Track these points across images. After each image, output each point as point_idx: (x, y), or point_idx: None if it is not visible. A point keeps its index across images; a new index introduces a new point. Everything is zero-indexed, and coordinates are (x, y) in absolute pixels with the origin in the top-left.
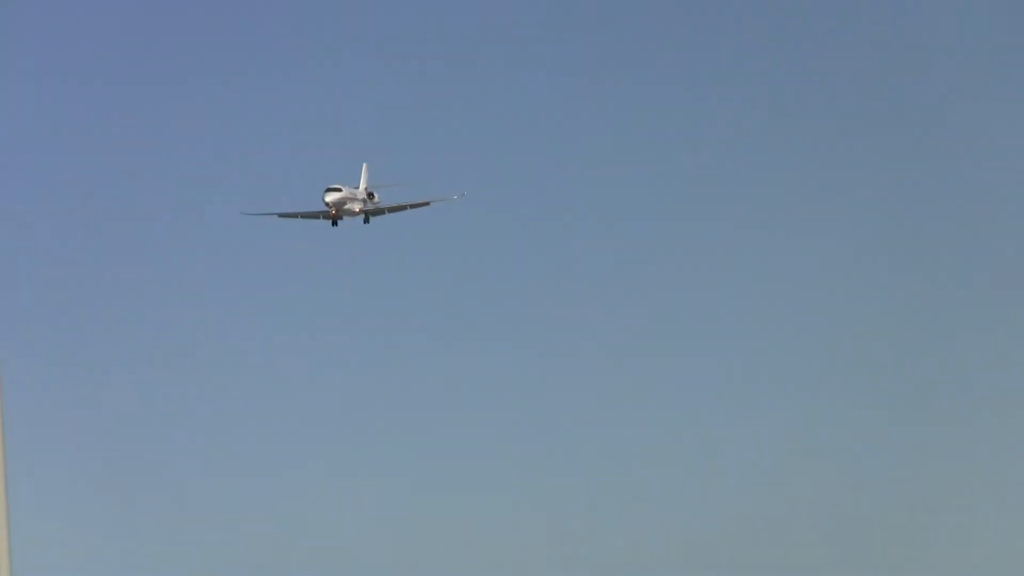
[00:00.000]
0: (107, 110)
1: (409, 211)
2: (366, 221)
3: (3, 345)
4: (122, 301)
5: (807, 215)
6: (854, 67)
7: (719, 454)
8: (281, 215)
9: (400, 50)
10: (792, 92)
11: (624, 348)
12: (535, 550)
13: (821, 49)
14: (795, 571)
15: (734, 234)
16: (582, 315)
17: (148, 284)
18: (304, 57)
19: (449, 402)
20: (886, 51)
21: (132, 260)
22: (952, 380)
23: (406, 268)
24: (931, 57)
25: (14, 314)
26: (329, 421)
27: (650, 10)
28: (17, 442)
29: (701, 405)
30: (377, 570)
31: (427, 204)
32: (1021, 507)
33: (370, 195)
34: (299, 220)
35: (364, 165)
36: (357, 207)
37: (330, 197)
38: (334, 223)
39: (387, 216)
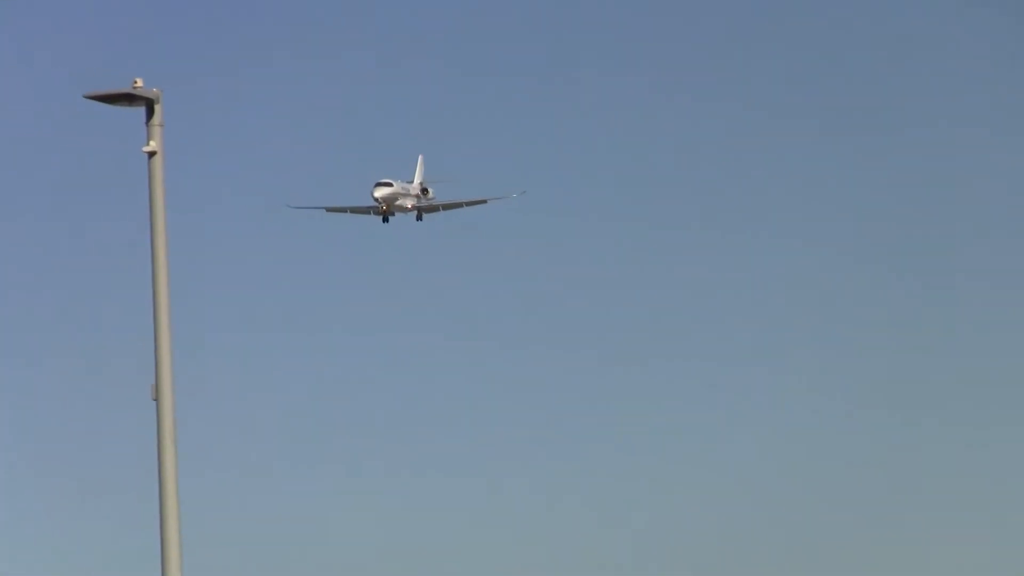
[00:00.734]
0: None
1: (465, 209)
2: (419, 218)
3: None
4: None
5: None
6: (847, 67)
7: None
8: (329, 209)
9: (459, 41)
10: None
11: (690, 352)
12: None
13: (820, 51)
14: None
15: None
16: (647, 321)
17: (193, 278)
18: (359, 46)
19: (502, 405)
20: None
21: (177, 255)
22: (951, 380)
23: (458, 267)
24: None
25: (49, 305)
26: (372, 421)
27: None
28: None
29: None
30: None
31: (484, 202)
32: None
33: (424, 191)
34: (348, 215)
35: (420, 158)
36: (409, 203)
37: (380, 192)
38: (385, 219)
39: (441, 213)
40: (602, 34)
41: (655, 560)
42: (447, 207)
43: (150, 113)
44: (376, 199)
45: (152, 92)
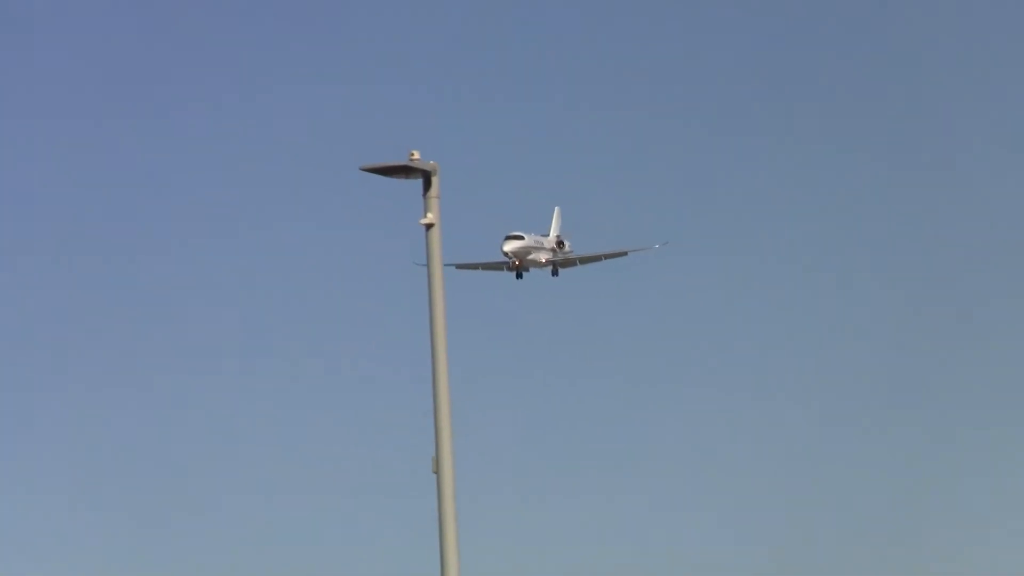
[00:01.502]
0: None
1: (604, 262)
2: (554, 273)
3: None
4: (290, 350)
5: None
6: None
7: None
8: (459, 266)
9: (598, 91)
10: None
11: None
12: None
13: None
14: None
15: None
16: (810, 374)
17: (319, 337)
18: (493, 95)
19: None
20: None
21: (307, 312)
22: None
23: (597, 323)
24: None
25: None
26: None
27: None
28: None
29: None
30: None
31: (624, 254)
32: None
33: (560, 243)
34: (479, 272)
35: (556, 209)
36: (543, 257)
37: (509, 246)
38: (518, 275)
39: (579, 267)
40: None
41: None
42: (585, 260)
43: (427, 185)
44: (506, 253)
45: (429, 165)
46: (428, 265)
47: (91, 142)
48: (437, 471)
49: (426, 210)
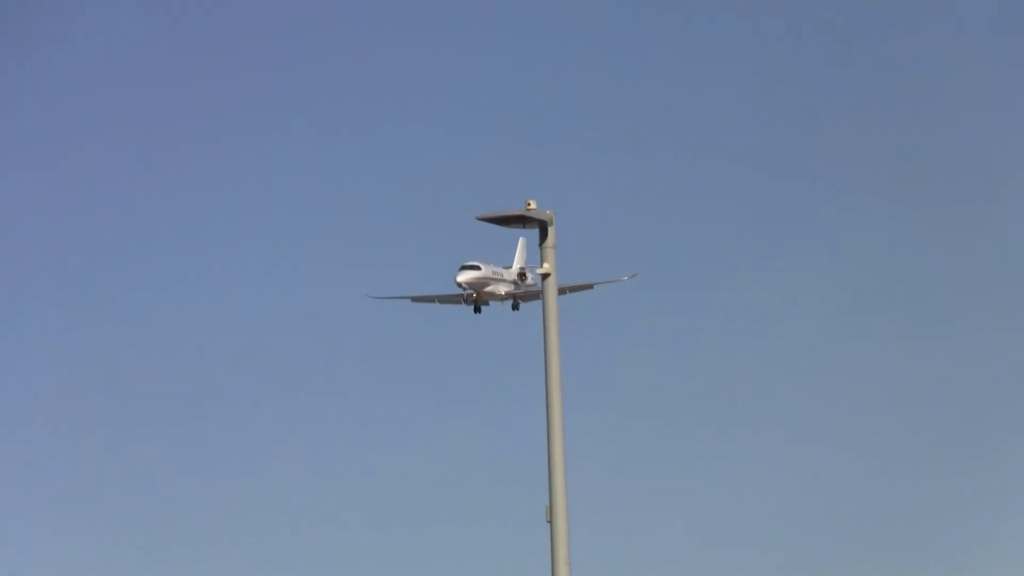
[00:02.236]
0: (221, 177)
1: (568, 295)
2: (515, 307)
3: None
4: (242, 392)
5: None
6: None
7: None
8: (414, 299)
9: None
10: None
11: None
12: None
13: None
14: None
15: None
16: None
17: (270, 375)
18: (445, 115)
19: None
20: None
21: (248, 349)
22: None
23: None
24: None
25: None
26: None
27: None
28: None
29: None
30: None
31: (590, 287)
32: None
33: (522, 275)
34: (435, 305)
35: (521, 241)
36: (502, 289)
37: (463, 276)
38: (476, 309)
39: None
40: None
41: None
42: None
43: (543, 235)
44: (460, 284)
45: (545, 214)
46: (544, 314)
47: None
48: (551, 520)
49: (543, 259)
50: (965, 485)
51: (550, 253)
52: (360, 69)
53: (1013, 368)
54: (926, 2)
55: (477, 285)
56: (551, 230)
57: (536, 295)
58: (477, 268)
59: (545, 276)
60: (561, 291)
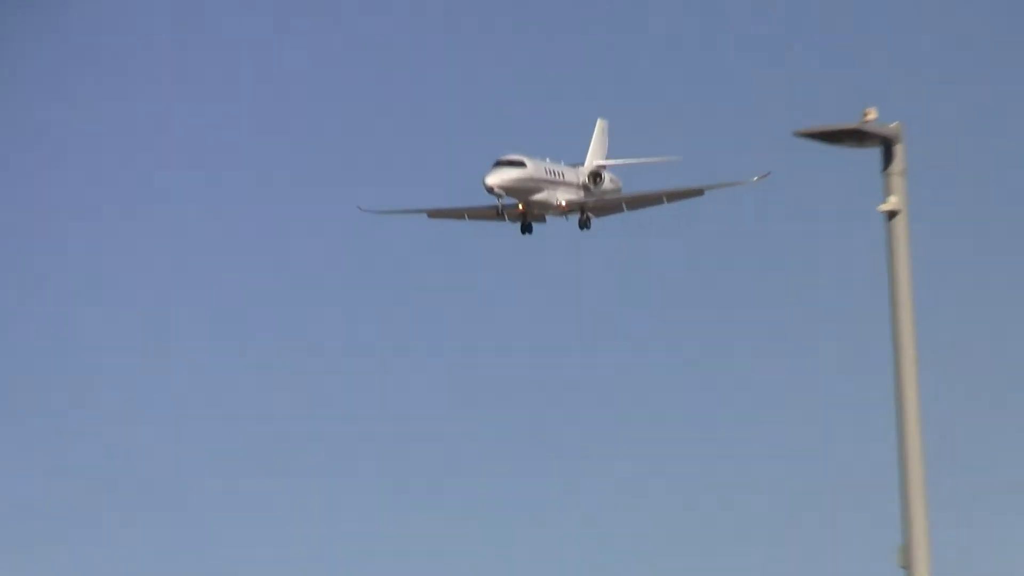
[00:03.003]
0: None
1: (666, 205)
2: (584, 225)
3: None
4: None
5: None
6: None
7: None
8: (431, 214)
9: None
10: None
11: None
12: None
13: None
14: None
15: None
16: None
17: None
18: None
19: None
20: None
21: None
22: None
23: (646, 307)
24: None
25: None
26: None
27: None
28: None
29: None
30: None
31: (701, 193)
32: None
33: (595, 177)
34: (464, 222)
35: (600, 123)
36: (563, 197)
37: (496, 177)
38: (525, 227)
39: (627, 215)
40: None
41: None
42: (635, 202)
43: (888, 157)
44: (491, 189)
45: (890, 128)
46: (889, 267)
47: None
48: (906, 567)
49: (888, 190)
50: None
51: (897, 182)
52: None
53: None
54: None
55: (521, 190)
56: (898, 149)
57: (616, 206)
58: (520, 165)
59: (892, 215)
60: (655, 199)
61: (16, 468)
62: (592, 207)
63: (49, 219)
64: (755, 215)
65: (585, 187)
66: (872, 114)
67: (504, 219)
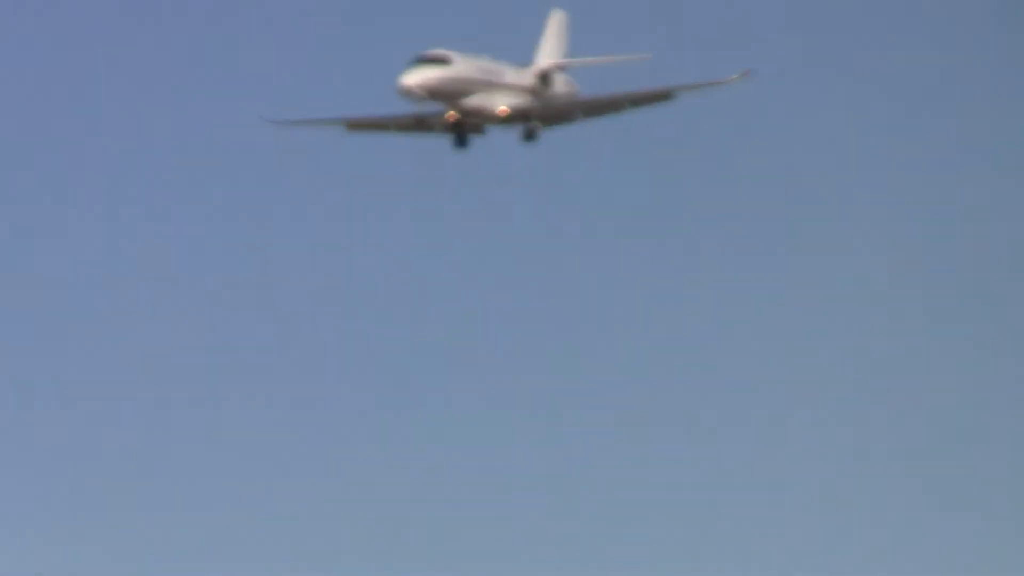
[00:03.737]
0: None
1: (629, 112)
2: (528, 136)
3: None
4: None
5: None
6: None
7: None
8: (349, 125)
9: None
10: None
11: None
12: None
13: None
14: None
15: None
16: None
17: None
18: None
19: None
20: None
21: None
22: None
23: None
24: None
25: None
26: None
27: None
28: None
29: None
30: None
31: (670, 96)
32: None
33: (544, 77)
34: (388, 135)
35: (555, 13)
36: (502, 103)
37: (414, 78)
38: (459, 139)
39: (582, 124)
40: None
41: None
42: (594, 108)
43: None
44: (409, 91)
45: None
46: None
47: None
48: None
49: None
50: None
51: None
52: None
53: None
54: None
55: (447, 93)
56: None
57: (569, 113)
58: (444, 62)
59: None
60: (615, 103)
61: None
62: (540, 114)
63: None
64: (734, 123)
65: (532, 90)
66: None
67: (433, 130)
